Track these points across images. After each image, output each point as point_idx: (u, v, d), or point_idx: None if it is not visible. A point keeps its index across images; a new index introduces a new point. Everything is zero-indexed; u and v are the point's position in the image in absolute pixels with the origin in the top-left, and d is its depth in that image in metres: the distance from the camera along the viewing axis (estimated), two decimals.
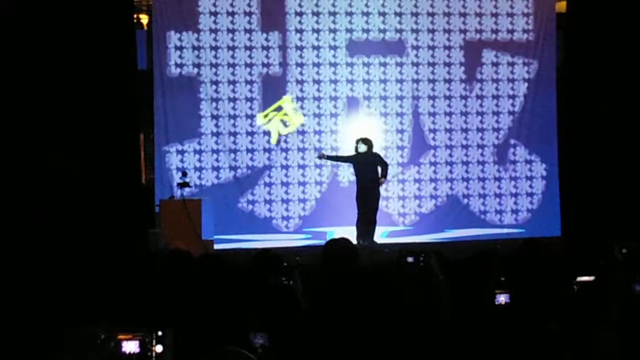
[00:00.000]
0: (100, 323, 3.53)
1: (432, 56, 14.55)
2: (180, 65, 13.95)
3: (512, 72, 14.78)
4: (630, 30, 13.86)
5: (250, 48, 14.10)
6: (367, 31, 14.39)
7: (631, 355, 4.17)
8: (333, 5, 14.33)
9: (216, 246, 12.79)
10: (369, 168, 13.38)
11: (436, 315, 4.78)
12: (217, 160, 14.01)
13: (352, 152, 13.53)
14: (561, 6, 14.88)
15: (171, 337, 3.56)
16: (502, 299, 5.12)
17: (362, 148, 13.36)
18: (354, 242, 8.46)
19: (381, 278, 5.11)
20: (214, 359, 3.64)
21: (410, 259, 6.10)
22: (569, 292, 5.16)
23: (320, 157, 13.78)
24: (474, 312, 5.12)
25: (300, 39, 14.25)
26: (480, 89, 14.68)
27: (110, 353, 3.48)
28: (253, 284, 5.51)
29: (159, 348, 3.52)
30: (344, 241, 6.23)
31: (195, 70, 13.98)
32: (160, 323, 4.77)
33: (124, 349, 3.48)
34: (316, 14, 14.29)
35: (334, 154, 14.10)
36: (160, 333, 3.55)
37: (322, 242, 13.36)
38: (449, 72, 14.60)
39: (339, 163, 14.05)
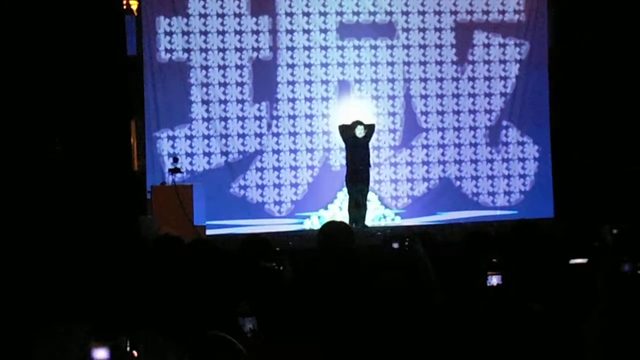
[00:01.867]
0: (80, 321, 3.47)
1: (423, 38, 14.48)
2: (170, 51, 13.88)
3: (503, 54, 14.72)
4: (622, 10, 13.81)
5: (240, 32, 14.02)
6: (357, 14, 14.31)
7: (619, 335, 4.15)
8: None
9: (208, 232, 12.78)
10: (361, 151, 13.37)
11: (426, 298, 4.76)
12: (208, 145, 13.95)
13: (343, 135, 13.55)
14: None
15: (147, 340, 3.49)
16: (494, 280, 5.10)
17: (361, 132, 13.32)
18: None
19: (369, 262, 5.09)
20: (202, 344, 3.62)
21: (395, 245, 6.08)
22: (563, 274, 5.14)
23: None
24: (466, 294, 5.10)
25: (291, 23, 14.17)
26: (472, 70, 14.62)
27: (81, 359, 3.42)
28: (243, 269, 5.48)
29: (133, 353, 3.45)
30: (341, 224, 6.24)
31: (185, 55, 13.91)
32: (150, 309, 4.74)
33: (94, 355, 3.40)
34: None
35: (325, 138, 14.10)
36: (134, 337, 3.48)
37: (314, 227, 13.42)
38: (440, 54, 14.54)
39: (330, 147, 14.07)
